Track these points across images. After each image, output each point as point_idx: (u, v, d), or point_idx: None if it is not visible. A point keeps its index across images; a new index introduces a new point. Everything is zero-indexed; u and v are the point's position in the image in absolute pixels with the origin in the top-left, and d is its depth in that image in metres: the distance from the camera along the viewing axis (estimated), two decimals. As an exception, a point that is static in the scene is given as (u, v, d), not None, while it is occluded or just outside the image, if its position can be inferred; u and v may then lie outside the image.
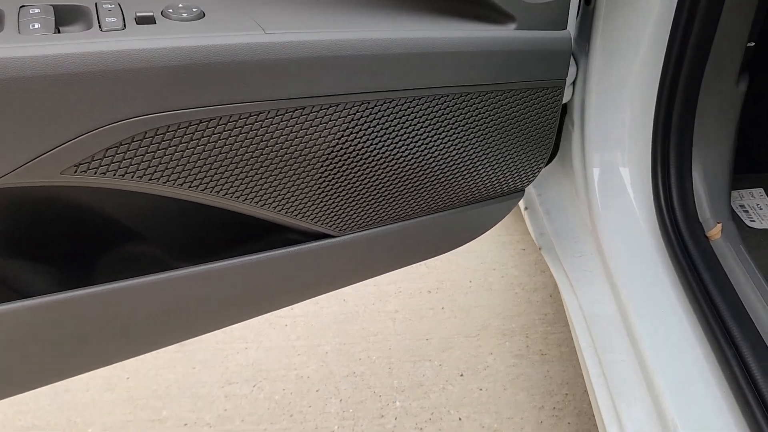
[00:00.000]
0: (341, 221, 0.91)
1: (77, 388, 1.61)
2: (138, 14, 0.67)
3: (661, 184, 1.16)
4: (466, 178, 0.95)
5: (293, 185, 0.81)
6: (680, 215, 1.14)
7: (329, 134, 0.78)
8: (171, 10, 0.70)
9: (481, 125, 0.90)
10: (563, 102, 1.32)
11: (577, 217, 1.33)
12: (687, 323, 1.05)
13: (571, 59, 1.28)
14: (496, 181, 0.99)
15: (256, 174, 0.77)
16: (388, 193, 0.90)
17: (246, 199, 0.79)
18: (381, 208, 0.92)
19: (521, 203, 1.48)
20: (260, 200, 0.80)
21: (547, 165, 1.42)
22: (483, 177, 0.97)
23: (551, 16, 0.86)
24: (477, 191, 0.98)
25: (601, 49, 1.19)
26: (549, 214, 1.38)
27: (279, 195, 0.81)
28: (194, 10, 0.71)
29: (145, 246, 0.90)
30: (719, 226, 1.13)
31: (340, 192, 0.86)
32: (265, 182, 0.79)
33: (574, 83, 1.29)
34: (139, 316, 0.86)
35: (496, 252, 1.92)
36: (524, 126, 0.94)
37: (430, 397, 1.54)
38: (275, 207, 0.82)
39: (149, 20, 0.68)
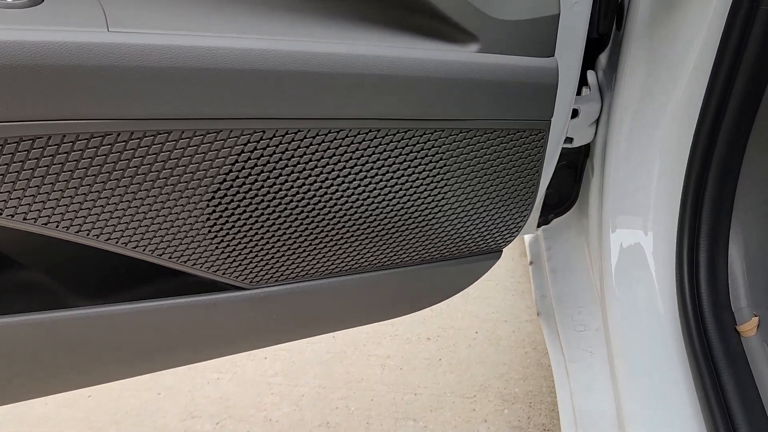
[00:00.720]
0: (251, 272, 0.73)
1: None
2: None
3: (686, 258, 0.93)
4: (416, 234, 0.76)
5: (171, 226, 0.64)
6: (707, 299, 0.91)
7: (210, 168, 0.61)
8: None
9: (432, 171, 0.70)
10: (586, 142, 1.11)
11: (587, 283, 1.11)
12: (696, 441, 0.82)
13: (597, 93, 1.07)
14: (459, 239, 0.79)
15: (116, 209, 0.61)
16: (310, 245, 0.72)
17: (109, 239, 0.63)
18: (304, 261, 0.74)
19: (528, 256, 1.26)
20: (129, 241, 0.64)
21: (563, 214, 1.20)
22: (440, 233, 0.77)
23: (530, 38, 0.65)
24: (434, 249, 0.79)
25: (629, 84, 0.97)
26: (555, 273, 1.16)
27: (154, 237, 0.64)
28: None
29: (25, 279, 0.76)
30: (755, 319, 0.89)
31: (241, 239, 0.68)
32: (131, 220, 0.62)
33: (597, 122, 1.07)
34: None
35: (511, 301, 1.69)
36: (494, 176, 0.73)
37: (406, 464, 1.35)
38: (153, 251, 0.66)
39: None
